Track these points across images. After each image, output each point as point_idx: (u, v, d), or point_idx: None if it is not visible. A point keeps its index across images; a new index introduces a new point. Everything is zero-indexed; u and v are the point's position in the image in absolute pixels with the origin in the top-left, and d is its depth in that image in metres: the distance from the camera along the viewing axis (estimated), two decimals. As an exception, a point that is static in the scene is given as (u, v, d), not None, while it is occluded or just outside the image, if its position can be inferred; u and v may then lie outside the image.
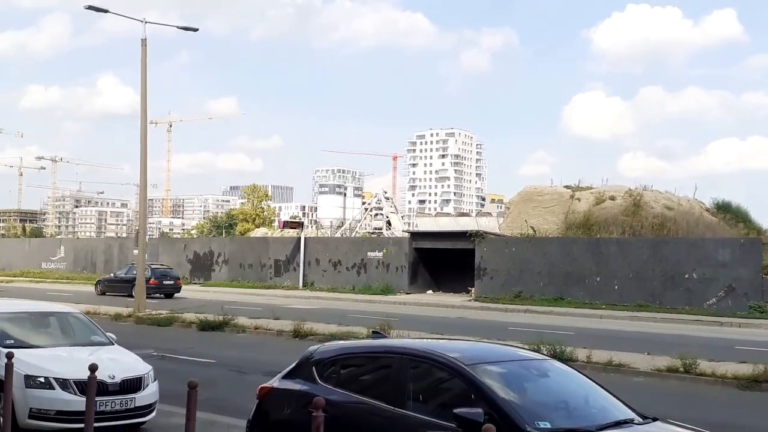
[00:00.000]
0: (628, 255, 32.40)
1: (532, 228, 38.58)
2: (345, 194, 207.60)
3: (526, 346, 10.80)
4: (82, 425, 7.40)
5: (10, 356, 8.12)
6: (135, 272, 30.83)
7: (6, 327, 9.74)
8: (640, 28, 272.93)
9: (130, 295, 30.85)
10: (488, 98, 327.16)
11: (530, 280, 34.10)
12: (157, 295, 34.12)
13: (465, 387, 5.60)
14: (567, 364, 6.95)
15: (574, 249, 33.89)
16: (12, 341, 9.39)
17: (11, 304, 12.38)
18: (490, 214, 64.92)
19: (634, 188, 41.40)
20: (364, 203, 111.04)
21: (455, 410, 5.31)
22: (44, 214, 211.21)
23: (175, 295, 35.55)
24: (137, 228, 29.45)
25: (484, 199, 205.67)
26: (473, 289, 35.72)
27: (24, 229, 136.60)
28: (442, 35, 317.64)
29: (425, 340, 8.66)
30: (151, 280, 33.85)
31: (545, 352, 12.50)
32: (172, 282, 36.34)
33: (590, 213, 39.38)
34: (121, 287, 35.62)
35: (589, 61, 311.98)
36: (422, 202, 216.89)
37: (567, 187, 44.40)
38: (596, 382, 6.26)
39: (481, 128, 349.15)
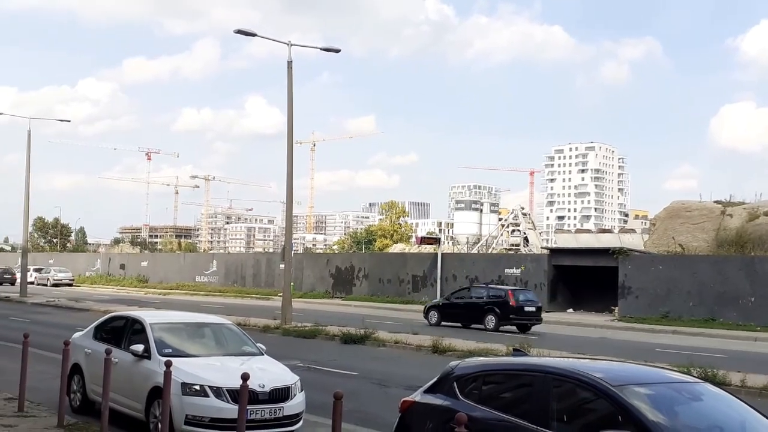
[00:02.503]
0: (786, 274, 30.39)
1: (680, 245, 36.95)
2: (481, 210, 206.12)
3: (675, 369, 10.35)
4: (234, 432, 7.78)
5: (168, 364, 8.60)
6: None
7: (164, 337, 10.20)
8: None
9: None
10: (629, 111, 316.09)
11: (678, 300, 32.61)
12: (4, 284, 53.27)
13: (612, 409, 5.45)
14: (720, 388, 6.63)
15: (726, 267, 32.14)
16: (170, 350, 9.84)
17: (169, 315, 13.16)
18: (633, 230, 62.72)
19: (793, 203, 38.85)
20: (500, 219, 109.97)
21: (602, 432, 5.21)
22: (198, 230, 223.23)
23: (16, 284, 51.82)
24: (284, 243, 30.63)
25: (626, 215, 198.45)
26: (616, 308, 34.54)
27: (179, 244, 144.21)
28: (579, 47, 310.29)
29: (568, 359, 8.50)
30: None
31: (696, 375, 11.93)
32: (9, 276, 56.36)
33: (743, 230, 37.27)
34: None
35: (737, 70, 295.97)
36: (561, 218, 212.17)
37: (717, 202, 42.24)
38: (754, 407, 5.94)
39: (622, 142, 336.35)
